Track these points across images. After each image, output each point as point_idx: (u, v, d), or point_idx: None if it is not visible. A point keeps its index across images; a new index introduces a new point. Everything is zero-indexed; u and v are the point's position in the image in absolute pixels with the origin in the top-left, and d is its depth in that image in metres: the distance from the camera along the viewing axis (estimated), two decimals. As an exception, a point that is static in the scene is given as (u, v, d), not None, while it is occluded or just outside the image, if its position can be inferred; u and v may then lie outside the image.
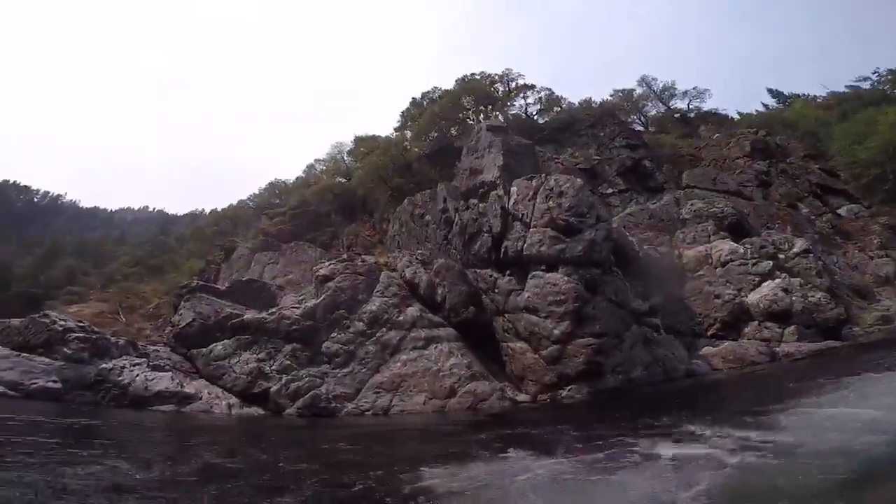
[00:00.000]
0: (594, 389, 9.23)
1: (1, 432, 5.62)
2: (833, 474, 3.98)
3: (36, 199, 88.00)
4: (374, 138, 35.07)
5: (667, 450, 5.23)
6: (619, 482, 4.54)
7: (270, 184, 43.97)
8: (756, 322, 11.41)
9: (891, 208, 21.82)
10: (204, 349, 11.41)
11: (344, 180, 33.55)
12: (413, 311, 11.62)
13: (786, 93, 38.81)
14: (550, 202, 10.44)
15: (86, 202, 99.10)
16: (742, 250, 12.79)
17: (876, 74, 32.04)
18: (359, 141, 36.31)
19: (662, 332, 10.55)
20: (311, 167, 41.23)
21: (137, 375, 9.60)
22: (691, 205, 15.36)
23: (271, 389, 9.92)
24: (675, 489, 4.18)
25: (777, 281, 11.91)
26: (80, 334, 10.39)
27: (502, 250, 11.48)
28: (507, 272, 11.44)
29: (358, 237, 27.46)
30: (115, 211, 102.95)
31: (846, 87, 34.33)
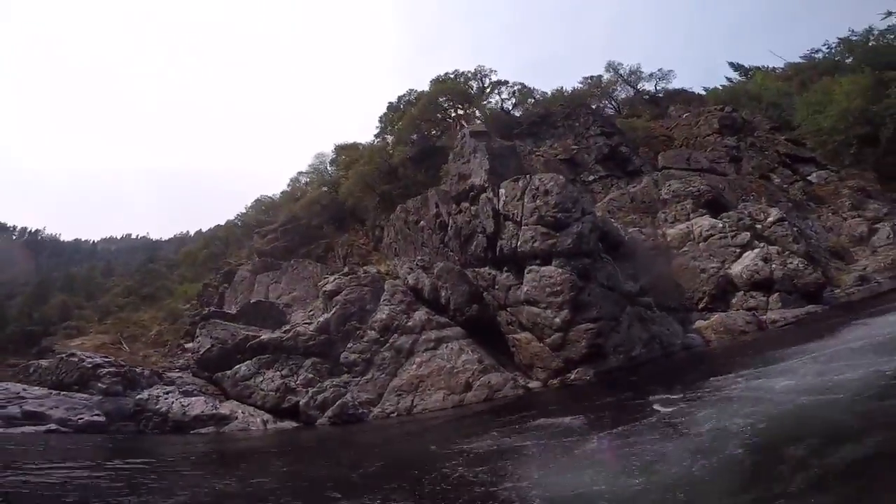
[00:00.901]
0: (599, 370, 9.98)
1: (94, 459, 6.11)
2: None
3: (14, 237, 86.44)
4: (354, 146, 35.53)
5: (659, 411, 6.08)
6: (614, 437, 5.40)
7: (257, 201, 44.08)
8: (741, 292, 12.28)
9: (858, 171, 22.95)
10: (228, 372, 11.94)
11: (326, 189, 33.86)
12: (420, 314, 12.29)
13: (746, 65, 40.02)
14: (538, 201, 11.19)
15: (66, 235, 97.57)
16: (721, 224, 13.68)
17: (826, 46, 32.96)
18: (339, 149, 36.73)
19: (656, 309, 11.37)
20: (295, 180, 41.45)
21: (173, 402, 10.14)
22: (669, 185, 16.24)
23: (300, 403, 10.52)
24: (666, 440, 4.97)
25: (756, 251, 12.80)
26: (110, 369, 10.90)
27: (498, 249, 12.21)
28: (505, 269, 12.18)
29: (352, 246, 27.94)
30: (98, 241, 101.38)
31: (801, 57, 35.38)
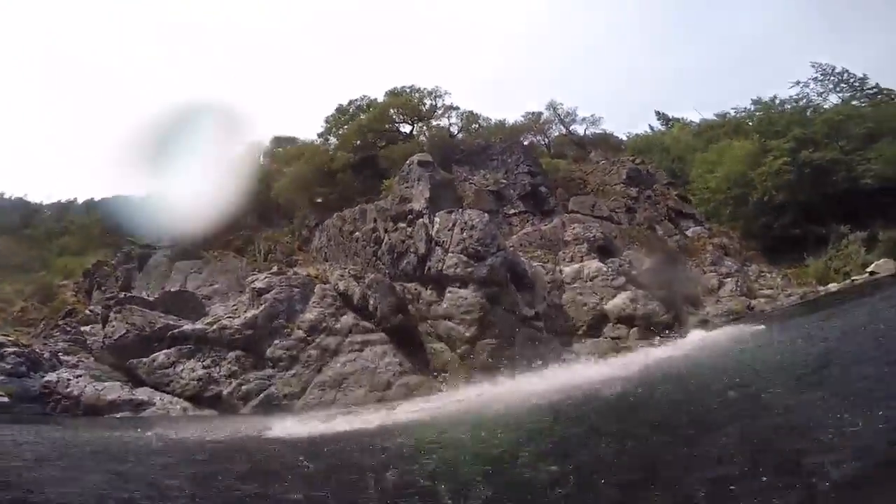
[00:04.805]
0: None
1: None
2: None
3: None
4: (292, 140, 35.13)
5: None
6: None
7: (177, 183, 40.84)
8: (611, 324, 15.40)
9: (726, 230, 27.99)
10: (145, 359, 12.04)
11: (256, 180, 33.04)
12: (348, 319, 13.48)
13: (669, 115, 43.04)
14: (464, 234, 13.31)
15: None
16: (605, 268, 16.88)
17: (734, 108, 35.77)
18: (278, 141, 36.00)
19: (545, 332, 13.91)
20: (222, 166, 39.48)
21: (86, 386, 10.18)
22: (573, 228, 19.41)
23: (223, 392, 11.13)
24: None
25: (627, 293, 16.09)
26: (13, 349, 10.57)
27: (426, 269, 14.00)
28: (429, 286, 14.00)
29: (277, 244, 27.80)
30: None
31: (715, 115, 38.34)
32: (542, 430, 6.22)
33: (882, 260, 19.13)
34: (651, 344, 14.38)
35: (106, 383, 10.82)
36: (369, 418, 8.65)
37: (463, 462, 5.01)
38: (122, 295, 14.91)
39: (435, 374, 12.68)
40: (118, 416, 9.98)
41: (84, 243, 39.74)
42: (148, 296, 16.64)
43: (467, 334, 12.40)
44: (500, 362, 12.23)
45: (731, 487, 3.35)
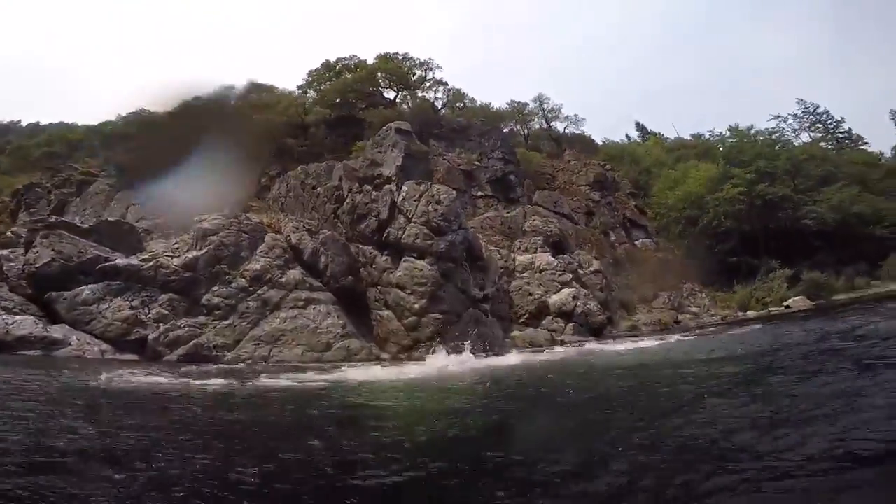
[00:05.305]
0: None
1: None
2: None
3: None
4: (270, 89, 33.48)
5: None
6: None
7: (133, 113, 37.93)
8: (551, 317, 16.12)
9: (673, 246, 29.51)
10: (66, 293, 11.15)
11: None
12: (295, 273, 13.05)
13: (648, 128, 45.49)
14: (430, 206, 13.30)
15: None
16: (555, 263, 17.51)
17: (709, 131, 37.68)
18: (254, 87, 34.27)
19: (490, 315, 14.32)
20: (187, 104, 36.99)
21: (-8, 319, 9.32)
22: (532, 220, 19.89)
23: (149, 337, 10.58)
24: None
25: (571, 290, 16.82)
26: None
27: (385, 234, 13.89)
28: (385, 252, 13.90)
29: (233, 187, 26.58)
30: None
31: (691, 134, 40.50)
32: (475, 412, 6.25)
33: (799, 297, 21.25)
34: (583, 340, 15.21)
35: (17, 317, 9.80)
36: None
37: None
38: (52, 219, 13.68)
39: (377, 341, 12.77)
40: (28, 353, 9.17)
41: (20, 165, 36.39)
42: (81, 222, 15.43)
43: (416, 306, 12.51)
44: (443, 338, 12.48)
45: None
